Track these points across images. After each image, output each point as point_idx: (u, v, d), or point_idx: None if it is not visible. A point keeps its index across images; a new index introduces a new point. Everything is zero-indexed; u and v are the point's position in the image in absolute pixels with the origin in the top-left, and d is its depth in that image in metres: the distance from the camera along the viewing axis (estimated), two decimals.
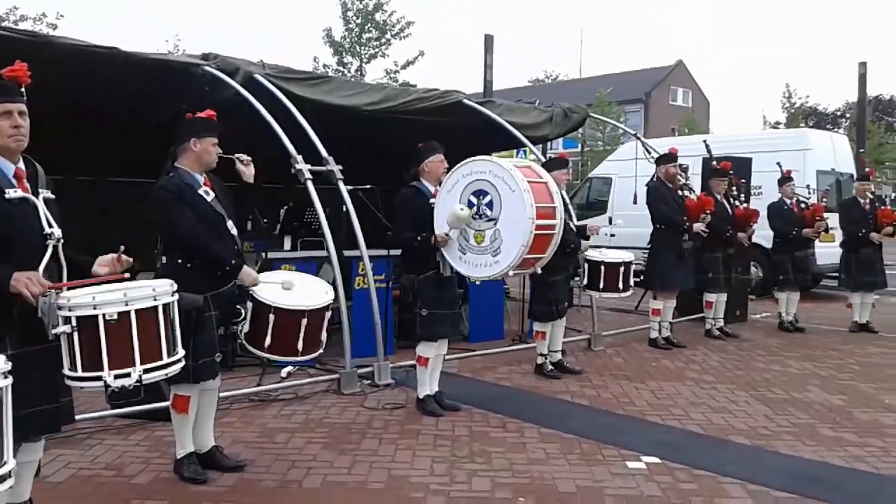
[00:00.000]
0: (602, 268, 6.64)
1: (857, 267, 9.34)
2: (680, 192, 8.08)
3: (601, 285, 6.69)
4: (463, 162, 5.16)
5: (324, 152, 6.52)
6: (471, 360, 7.25)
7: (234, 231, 4.23)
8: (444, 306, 5.40)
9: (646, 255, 8.43)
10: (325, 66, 21.69)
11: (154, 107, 7.39)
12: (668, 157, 8.09)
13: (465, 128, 9.16)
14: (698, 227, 7.96)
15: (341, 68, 21.54)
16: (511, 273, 4.99)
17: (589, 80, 54.64)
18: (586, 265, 6.70)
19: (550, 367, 6.71)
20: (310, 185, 6.26)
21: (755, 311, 10.69)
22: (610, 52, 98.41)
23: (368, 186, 6.66)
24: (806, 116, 53.27)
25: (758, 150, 12.80)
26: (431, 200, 5.32)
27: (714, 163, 9.09)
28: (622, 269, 6.66)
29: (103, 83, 6.61)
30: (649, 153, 8.50)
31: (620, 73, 54.06)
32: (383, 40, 21.48)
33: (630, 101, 51.26)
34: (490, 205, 4.97)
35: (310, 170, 6.32)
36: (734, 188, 9.00)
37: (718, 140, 14.42)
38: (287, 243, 8.63)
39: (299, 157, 6.32)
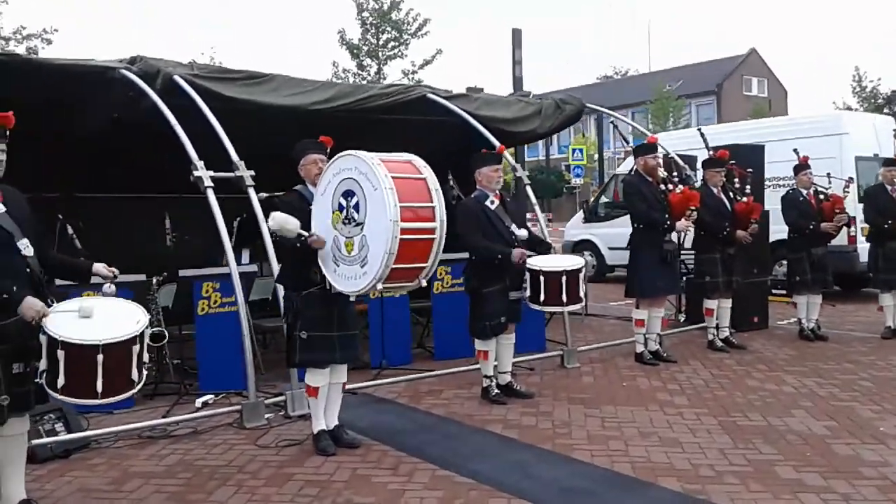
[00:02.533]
0: (542, 278, 5.72)
1: (886, 263, 8.19)
2: (663, 187, 7.13)
3: (542, 298, 5.76)
4: (334, 157, 4.46)
5: (234, 157, 5.89)
6: (418, 382, 6.50)
7: (29, 251, 3.63)
8: (331, 328, 4.68)
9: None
10: (344, 70, 21.24)
11: (84, 117, 6.96)
12: (647, 148, 7.15)
13: (446, 126, 8.47)
14: (682, 225, 7.01)
15: (361, 72, 20.99)
16: (380, 287, 4.21)
17: (658, 73, 53.42)
18: (528, 274, 5.81)
19: (496, 390, 5.90)
20: (210, 193, 5.64)
21: (785, 317, 9.58)
22: (680, 44, 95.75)
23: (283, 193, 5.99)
24: (889, 101, 50.02)
25: (790, 137, 11.73)
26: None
27: (710, 152, 8.09)
28: (564, 278, 5.72)
29: (23, 96, 6.13)
30: (627, 143, 7.56)
31: (691, 66, 52.77)
32: (402, 40, 20.80)
33: (702, 94, 49.69)
34: (357, 207, 4.25)
35: (212, 176, 5.71)
36: (736, 180, 7.98)
37: (745, 129, 13.33)
38: (245, 256, 8.08)
39: (200, 163, 5.72)
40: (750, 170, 8.14)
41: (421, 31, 20.99)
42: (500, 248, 5.63)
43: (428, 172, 4.40)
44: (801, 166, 8.23)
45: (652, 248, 6.98)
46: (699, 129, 8.71)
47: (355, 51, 20.88)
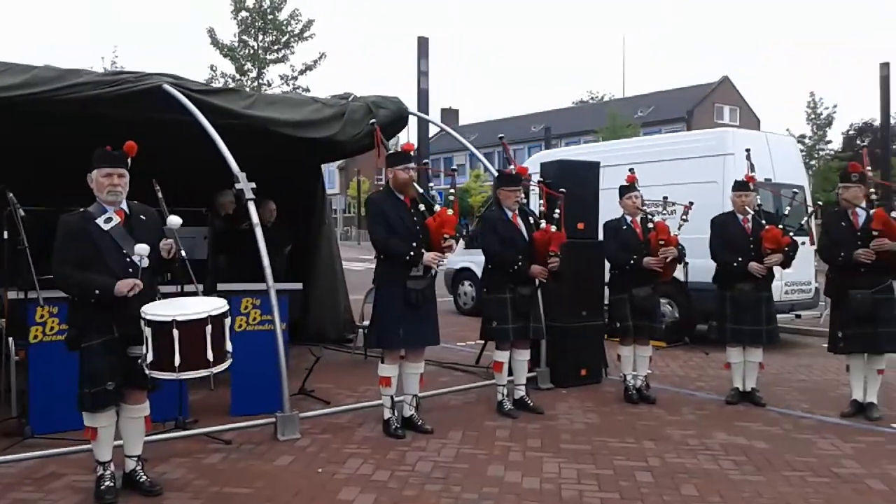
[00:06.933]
0: (176, 332, 3.86)
1: (735, 310, 6.60)
2: (421, 208, 5.55)
3: (177, 361, 3.87)
4: None
5: None
6: (53, 460, 4.81)
7: None
8: None
9: None
10: (223, 74, 19.53)
11: None
12: (399, 157, 5.56)
13: (194, 128, 6.79)
14: (430, 257, 5.41)
15: (241, 77, 19.31)
16: None
17: (631, 99, 53.24)
18: (148, 328, 4.07)
19: (108, 482, 4.20)
20: None
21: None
22: (655, 70, 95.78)
23: None
24: (861, 132, 48.99)
25: (673, 157, 10.44)
26: None
27: (511, 167, 6.53)
28: (210, 327, 4.01)
29: None
30: (388, 150, 5.95)
31: (663, 92, 52.58)
32: (284, 42, 19.17)
33: (672, 121, 48.89)
34: None
35: None
36: (541, 202, 6.40)
37: (620, 148, 12.10)
38: None
39: None
40: (562, 190, 6.57)
41: (306, 34, 19.40)
42: (97, 282, 4.00)
43: None
44: (627, 188, 6.68)
45: (394, 286, 5.40)
46: (500, 137, 7.14)
47: (233, 53, 19.25)
